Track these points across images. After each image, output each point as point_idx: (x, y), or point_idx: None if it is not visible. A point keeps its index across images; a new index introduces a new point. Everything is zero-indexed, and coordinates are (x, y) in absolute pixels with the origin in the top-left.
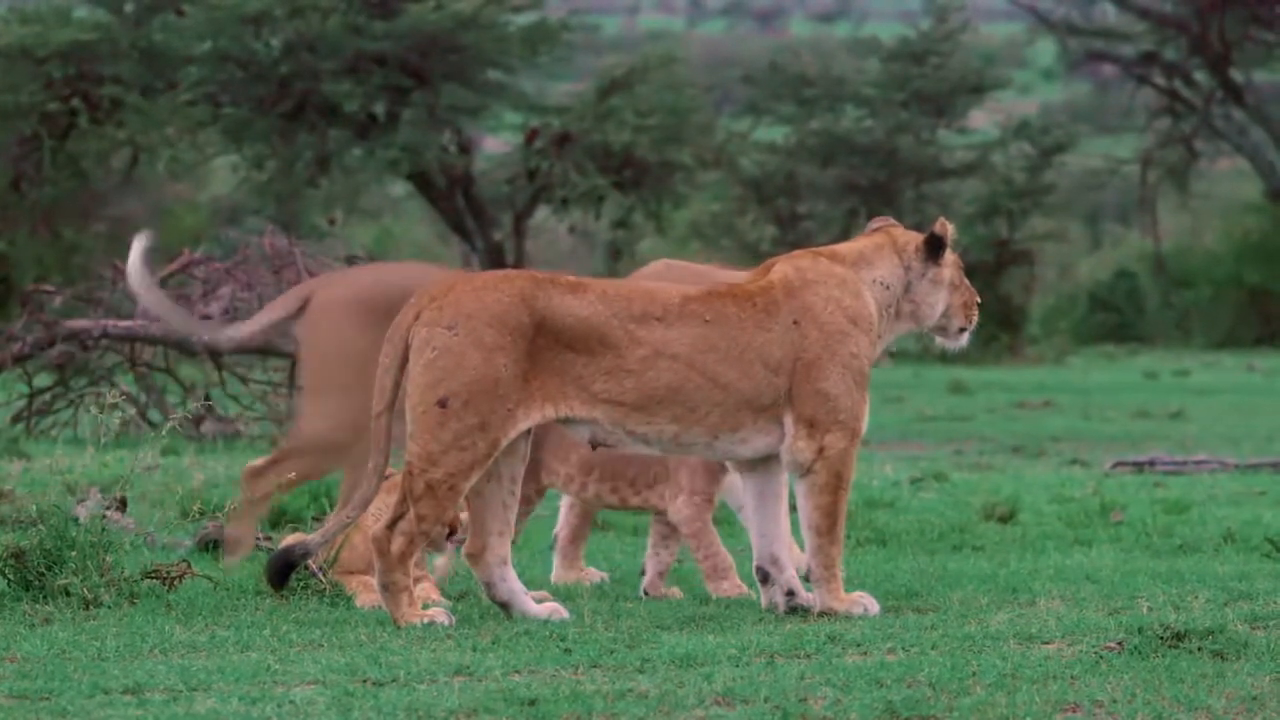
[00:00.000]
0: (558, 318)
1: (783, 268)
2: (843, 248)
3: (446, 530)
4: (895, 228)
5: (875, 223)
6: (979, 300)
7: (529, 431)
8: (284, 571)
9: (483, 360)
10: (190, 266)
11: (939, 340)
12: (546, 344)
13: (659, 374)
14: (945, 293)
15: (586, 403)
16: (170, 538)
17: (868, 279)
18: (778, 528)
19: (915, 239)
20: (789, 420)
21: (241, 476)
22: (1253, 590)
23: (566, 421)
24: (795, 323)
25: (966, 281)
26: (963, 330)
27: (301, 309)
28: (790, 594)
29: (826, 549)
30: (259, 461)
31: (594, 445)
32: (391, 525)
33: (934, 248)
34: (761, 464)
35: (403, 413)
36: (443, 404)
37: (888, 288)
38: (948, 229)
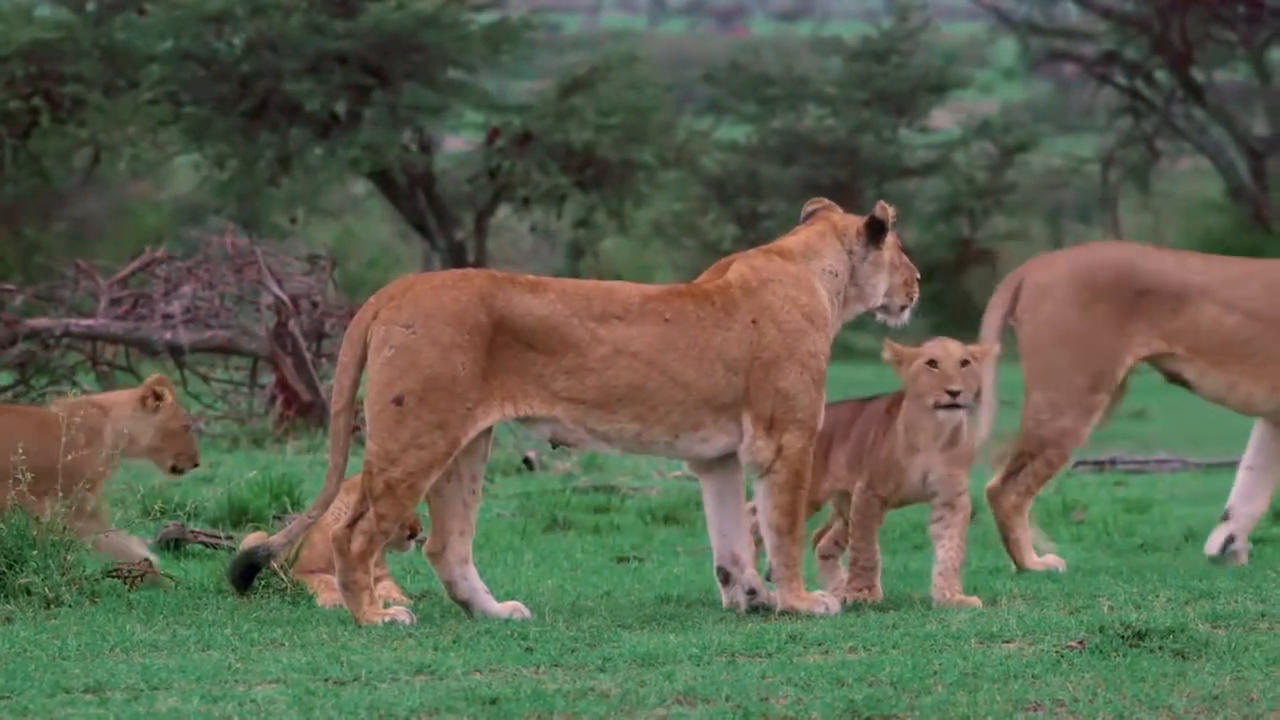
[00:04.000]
0: (517, 316)
1: (739, 267)
2: (789, 242)
3: (407, 531)
4: (834, 211)
5: (811, 205)
6: (919, 276)
7: (490, 430)
8: (247, 574)
9: (440, 358)
10: (152, 265)
11: (880, 317)
12: (506, 343)
13: (619, 372)
14: (886, 274)
15: (547, 401)
16: (132, 537)
17: (817, 270)
18: (737, 527)
19: (855, 223)
20: (747, 419)
21: (986, 499)
22: (1214, 589)
23: (526, 420)
24: (754, 322)
25: (906, 259)
26: (904, 308)
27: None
28: (751, 593)
29: (787, 548)
30: (993, 481)
31: (554, 444)
32: (352, 524)
33: (875, 231)
34: (719, 463)
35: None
36: (399, 402)
37: (836, 275)
38: (888, 212)
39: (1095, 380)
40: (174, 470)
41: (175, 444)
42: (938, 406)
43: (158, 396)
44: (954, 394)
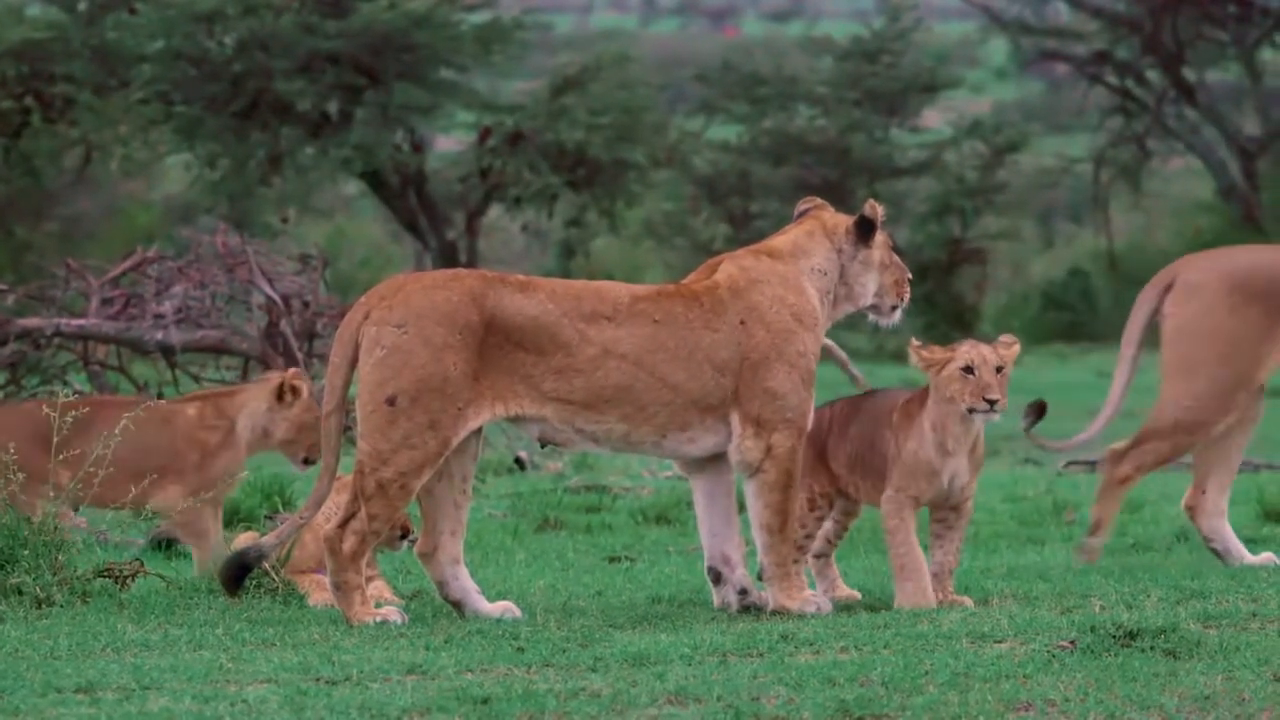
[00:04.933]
0: (507, 317)
1: (728, 268)
2: (778, 241)
3: (399, 531)
4: (824, 210)
5: (803, 204)
6: (910, 276)
7: (480, 430)
8: (239, 575)
9: (431, 359)
10: (143, 265)
11: (872, 317)
12: (496, 343)
13: (608, 373)
14: (876, 273)
15: (536, 401)
16: (123, 536)
17: (806, 269)
18: (728, 527)
19: (845, 222)
20: (736, 419)
21: (1105, 458)
22: (1205, 589)
23: (516, 420)
24: (742, 323)
25: (897, 259)
26: (895, 308)
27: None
28: (743, 592)
29: (778, 547)
30: (1120, 444)
31: (543, 443)
32: (343, 524)
33: (864, 230)
34: (710, 463)
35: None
36: (391, 402)
37: (825, 274)
38: (878, 211)
39: (1239, 379)
40: (306, 462)
41: (309, 436)
42: (973, 411)
43: (294, 391)
44: (992, 402)
